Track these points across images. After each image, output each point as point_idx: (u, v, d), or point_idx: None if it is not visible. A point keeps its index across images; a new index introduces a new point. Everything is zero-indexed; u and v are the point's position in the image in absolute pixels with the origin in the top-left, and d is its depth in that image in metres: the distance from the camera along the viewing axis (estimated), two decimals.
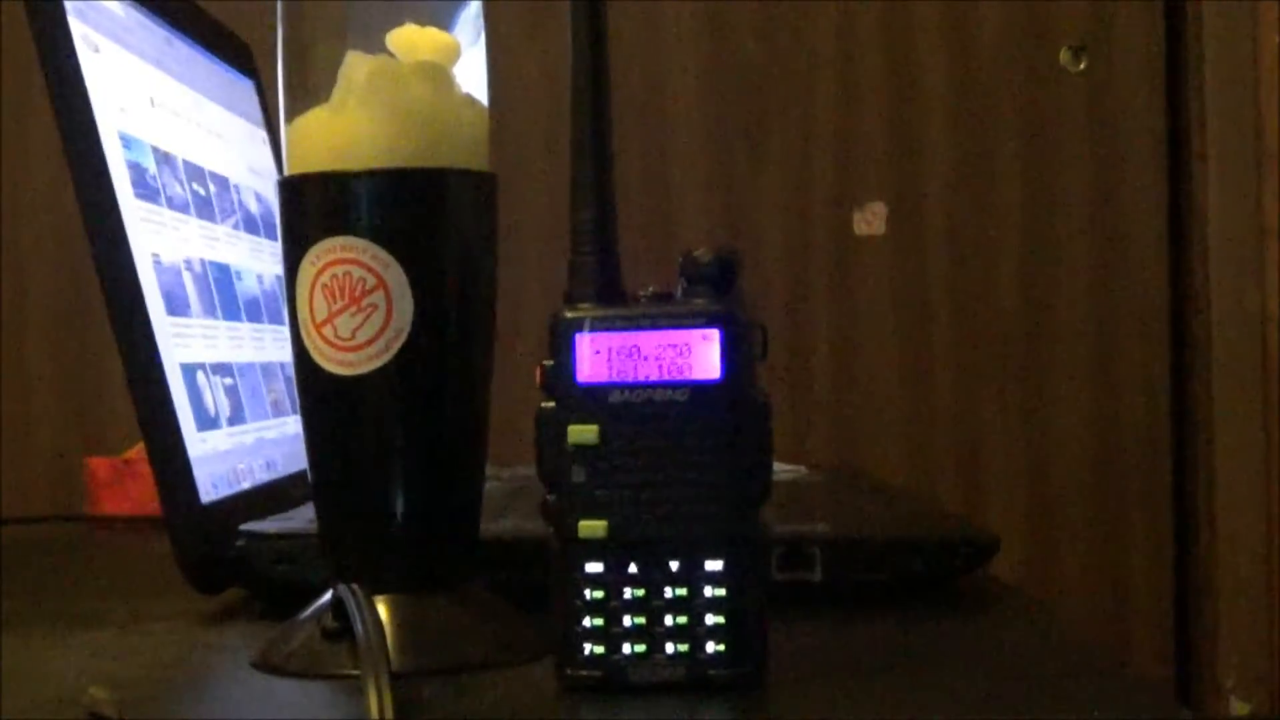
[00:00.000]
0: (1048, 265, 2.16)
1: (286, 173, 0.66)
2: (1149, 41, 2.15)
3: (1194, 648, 2.15)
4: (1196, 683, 2.14)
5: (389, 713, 0.54)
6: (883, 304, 2.16)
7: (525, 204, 1.96)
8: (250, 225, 1.03)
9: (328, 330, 0.64)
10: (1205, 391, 2.12)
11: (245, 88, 1.13)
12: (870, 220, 2.15)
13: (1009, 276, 2.16)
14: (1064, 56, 2.14)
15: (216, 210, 0.97)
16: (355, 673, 0.59)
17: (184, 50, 1.00)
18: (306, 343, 0.65)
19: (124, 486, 1.30)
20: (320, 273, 0.64)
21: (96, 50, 0.82)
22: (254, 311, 0.99)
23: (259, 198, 1.05)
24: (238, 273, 0.98)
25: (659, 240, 2.06)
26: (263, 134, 1.12)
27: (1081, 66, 2.14)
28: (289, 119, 0.67)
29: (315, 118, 0.66)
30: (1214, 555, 2.10)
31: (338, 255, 0.64)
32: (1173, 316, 2.17)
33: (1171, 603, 2.15)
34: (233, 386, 0.91)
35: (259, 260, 1.02)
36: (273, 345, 1.00)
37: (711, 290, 0.59)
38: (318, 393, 0.66)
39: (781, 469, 1.18)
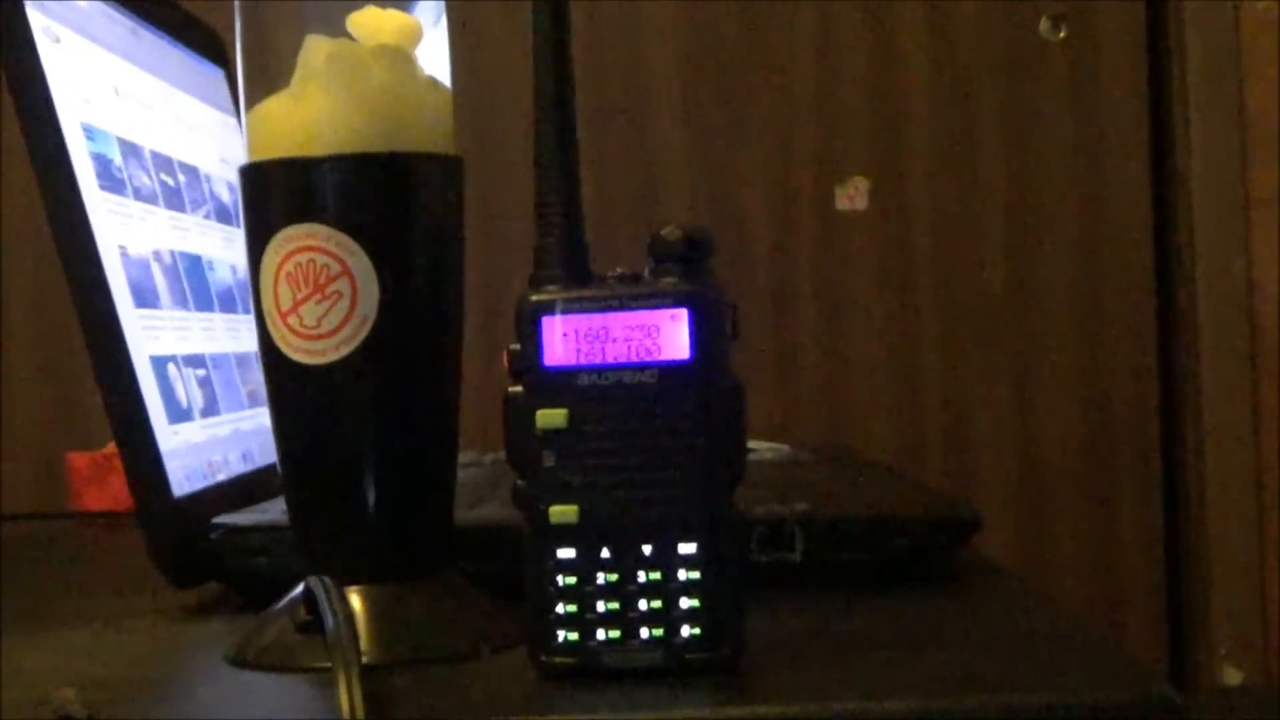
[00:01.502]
0: (1032, 237, 2.15)
1: (248, 160, 0.66)
2: (1129, 10, 2.14)
3: (1187, 616, 2.15)
4: (1190, 651, 2.14)
5: (359, 706, 0.54)
6: (867, 279, 2.15)
7: (509, 187, 1.95)
8: (223, 215, 1.02)
9: (293, 319, 0.64)
10: (1192, 360, 2.12)
11: (215, 77, 1.12)
12: (852, 195, 2.14)
13: (993, 249, 2.16)
14: (1044, 26, 2.13)
15: (186, 200, 0.96)
16: (328, 666, 0.58)
17: (151, 40, 0.99)
18: (272, 332, 0.65)
19: (105, 481, 1.29)
20: (284, 261, 0.63)
21: (57, 41, 0.81)
22: (228, 302, 0.98)
23: (231, 187, 1.04)
24: (210, 263, 0.97)
25: (641, 218, 2.05)
26: (234, 122, 1.11)
27: (1061, 36, 2.13)
28: (249, 106, 0.66)
29: (275, 104, 0.65)
30: (1204, 524, 2.10)
31: (301, 243, 0.63)
32: (1159, 287, 2.16)
33: (1163, 572, 2.15)
34: (206, 378, 0.90)
35: (232, 250, 1.01)
36: (248, 335, 0.99)
37: (680, 270, 0.58)
38: (284, 383, 0.65)
39: (765, 447, 1.18)
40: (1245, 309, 2.10)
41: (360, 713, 0.53)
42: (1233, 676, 2.07)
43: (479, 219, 2.00)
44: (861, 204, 2.15)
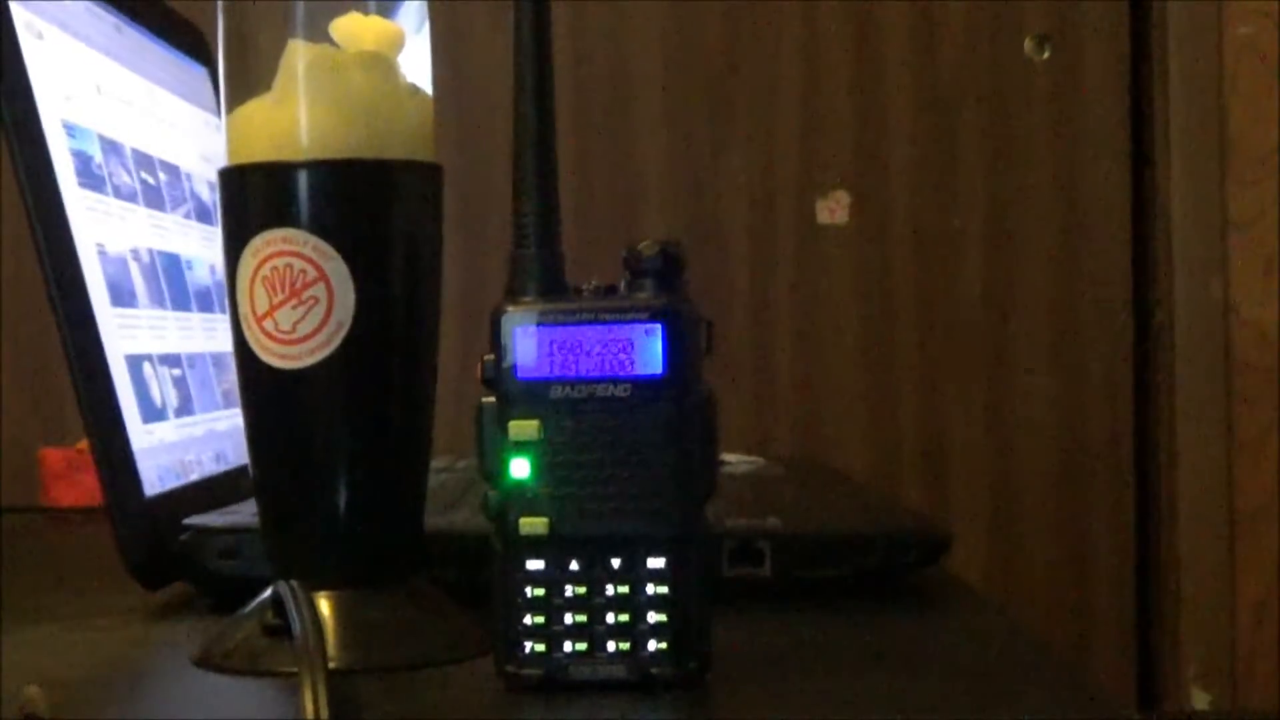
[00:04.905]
0: (1011, 256, 2.16)
1: (227, 163, 0.66)
2: (1114, 32, 2.15)
3: (1156, 638, 2.15)
4: (1159, 673, 2.14)
5: (324, 712, 0.53)
6: (846, 294, 2.15)
7: (493, 196, 1.95)
8: (203, 214, 1.02)
9: (268, 323, 0.64)
10: (1168, 383, 2.12)
11: (198, 75, 1.12)
12: (834, 209, 2.15)
13: (972, 267, 2.16)
14: (1028, 46, 2.14)
15: (166, 199, 0.96)
16: (294, 670, 0.58)
17: (134, 37, 0.99)
18: (247, 336, 0.65)
19: (77, 477, 1.28)
20: (260, 265, 0.64)
21: (40, 37, 0.81)
22: (205, 301, 0.98)
23: (212, 186, 1.04)
24: (188, 262, 0.97)
25: (622, 228, 2.05)
26: (216, 121, 1.11)
27: (1045, 56, 2.14)
28: (230, 108, 0.66)
29: (256, 107, 0.65)
30: (1175, 546, 2.10)
31: (278, 247, 0.63)
32: (1135, 309, 2.17)
33: (1134, 593, 2.15)
34: (181, 378, 0.90)
35: (211, 249, 1.01)
36: (224, 335, 0.99)
37: (655, 284, 0.58)
38: (258, 386, 0.65)
39: (739, 460, 1.18)
40: (1222, 331, 2.11)
41: (325, 718, 0.53)
42: (1200, 699, 2.07)
43: (460, 225, 2.01)
44: (842, 218, 2.15)
